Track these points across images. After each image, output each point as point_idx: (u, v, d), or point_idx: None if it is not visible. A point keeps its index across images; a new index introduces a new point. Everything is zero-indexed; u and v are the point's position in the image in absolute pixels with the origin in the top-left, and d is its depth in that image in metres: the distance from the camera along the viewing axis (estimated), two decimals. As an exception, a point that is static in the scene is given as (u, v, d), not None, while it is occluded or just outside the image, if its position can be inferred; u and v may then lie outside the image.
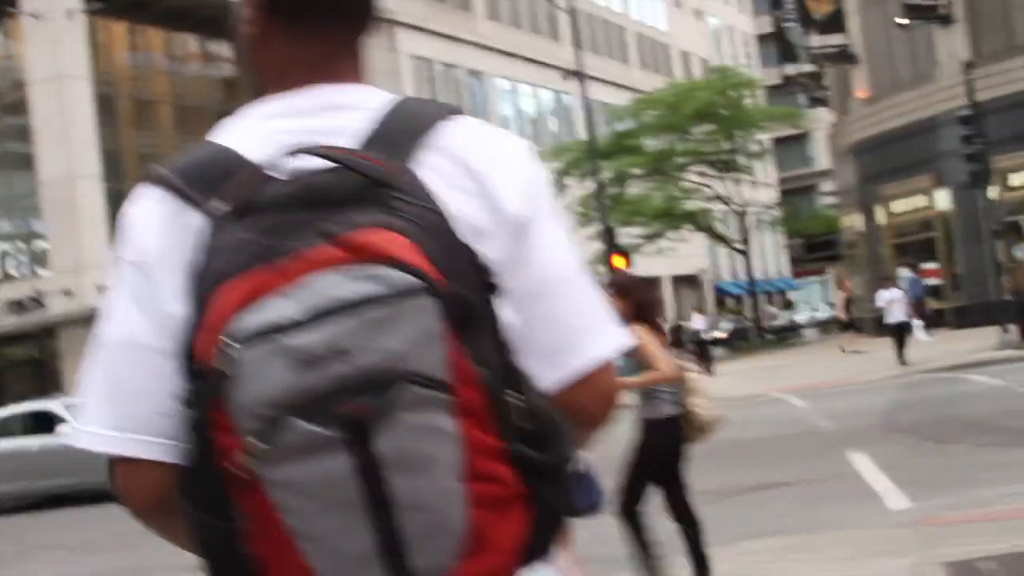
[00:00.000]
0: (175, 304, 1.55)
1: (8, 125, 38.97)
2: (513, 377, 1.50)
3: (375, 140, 1.61)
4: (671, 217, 46.98)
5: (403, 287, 1.39)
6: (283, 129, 1.63)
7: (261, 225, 1.46)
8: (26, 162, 37.72)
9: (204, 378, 1.41)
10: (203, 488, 1.46)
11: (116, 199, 33.84)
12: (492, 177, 1.64)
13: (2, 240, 38.92)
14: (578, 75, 35.34)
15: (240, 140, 1.63)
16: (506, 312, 1.54)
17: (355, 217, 1.44)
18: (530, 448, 1.47)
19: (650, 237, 46.35)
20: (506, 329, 1.53)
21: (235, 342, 1.37)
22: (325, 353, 1.36)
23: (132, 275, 1.61)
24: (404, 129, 1.63)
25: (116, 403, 1.59)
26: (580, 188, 41.21)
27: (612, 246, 32.53)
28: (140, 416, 1.57)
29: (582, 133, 42.76)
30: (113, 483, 1.63)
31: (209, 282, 1.46)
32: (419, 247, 1.43)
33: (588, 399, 1.65)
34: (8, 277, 38.10)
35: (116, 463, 1.60)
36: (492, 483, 1.44)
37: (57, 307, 35.85)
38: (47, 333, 36.11)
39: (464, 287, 1.46)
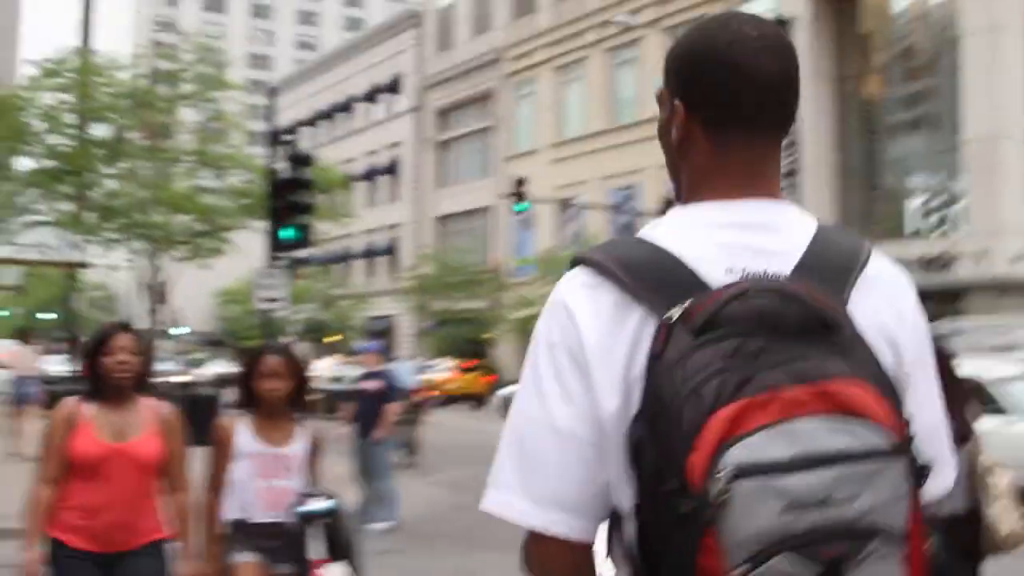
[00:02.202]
0: (609, 398, 1.66)
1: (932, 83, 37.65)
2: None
3: (808, 268, 1.71)
4: None
5: (880, 446, 1.52)
6: (723, 243, 1.72)
7: (724, 347, 1.55)
8: (945, 118, 36.20)
9: (691, 497, 1.49)
10: None
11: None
12: (904, 323, 1.79)
13: (920, 195, 37.86)
14: None
15: (682, 247, 1.71)
16: None
17: (826, 364, 1.55)
18: None
19: None
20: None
21: (726, 473, 1.47)
22: (813, 499, 1.48)
23: (566, 361, 1.69)
24: (834, 262, 1.74)
25: (534, 479, 1.69)
26: None
27: None
28: (559, 495, 1.68)
29: None
30: (530, 552, 1.75)
31: (687, 402, 1.53)
32: (885, 403, 1.56)
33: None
34: (920, 233, 36.94)
35: (532, 535, 1.73)
36: None
37: (966, 270, 34.02)
38: (953, 296, 34.57)
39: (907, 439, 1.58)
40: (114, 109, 28.89)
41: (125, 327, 5.52)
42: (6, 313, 62.29)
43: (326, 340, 57.59)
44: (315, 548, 5.65)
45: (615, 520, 1.76)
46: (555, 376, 1.71)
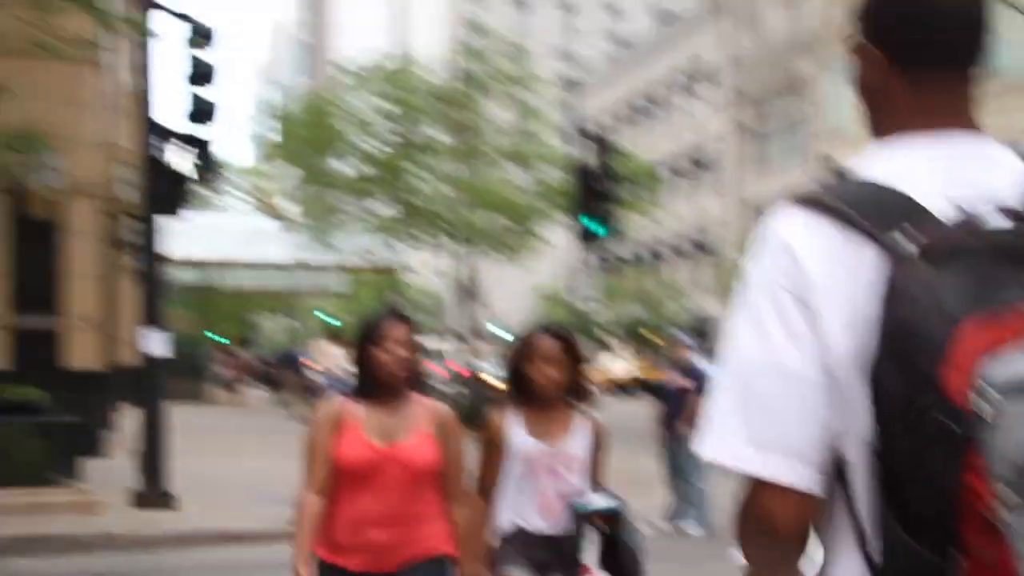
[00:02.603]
0: (841, 337, 1.62)
1: None
2: None
3: None
4: None
5: None
6: (941, 175, 1.70)
7: (969, 274, 1.54)
8: None
9: (951, 412, 1.47)
10: (927, 518, 1.51)
11: None
12: None
13: None
14: None
15: (900, 181, 1.69)
16: None
17: None
18: None
19: None
20: None
21: (991, 390, 1.44)
22: None
23: (790, 301, 1.66)
24: None
25: (759, 424, 1.65)
26: None
27: None
28: (786, 440, 1.64)
29: None
30: (749, 503, 1.69)
31: (935, 326, 1.52)
32: None
33: None
34: None
35: (755, 486, 1.67)
36: None
37: None
38: None
39: None
40: (425, 111, 29.26)
41: (399, 315, 4.90)
42: (334, 321, 64.70)
43: (644, 335, 57.21)
44: (588, 552, 5.00)
45: (837, 474, 1.69)
46: (778, 316, 1.67)
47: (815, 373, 1.64)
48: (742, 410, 1.67)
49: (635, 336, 58.49)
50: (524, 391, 5.06)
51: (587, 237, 20.62)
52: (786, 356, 1.65)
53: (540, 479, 4.99)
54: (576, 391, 5.10)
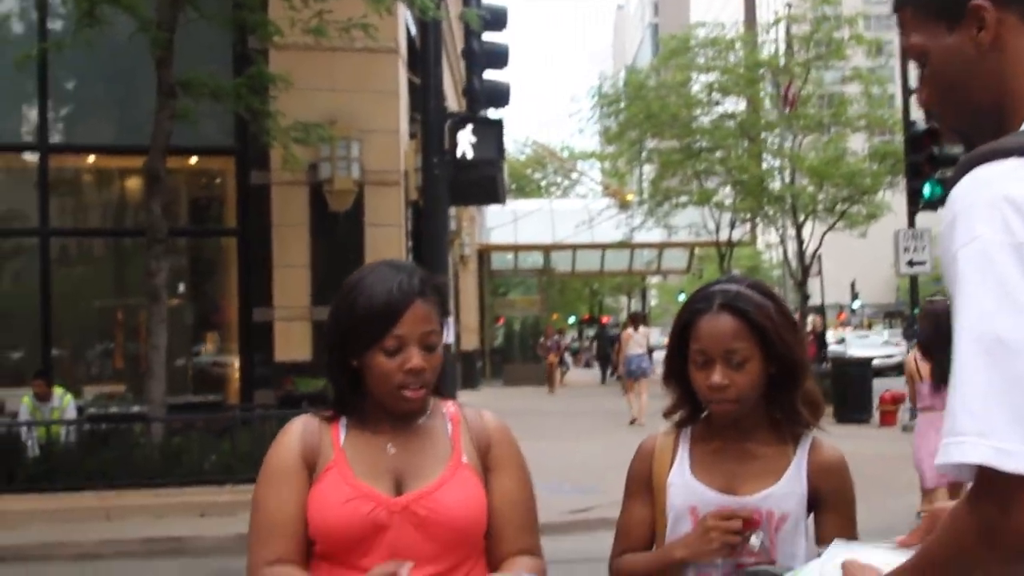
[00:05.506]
0: None
1: None
2: None
3: None
4: None
5: None
6: None
7: None
8: None
9: None
10: None
11: None
12: None
13: None
14: None
15: None
16: None
17: None
18: None
19: None
20: None
21: None
22: None
23: None
24: None
25: None
26: None
27: None
28: None
29: None
30: (1006, 516, 1.41)
31: None
32: None
33: None
34: None
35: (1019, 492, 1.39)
36: None
37: None
38: None
39: None
40: (750, 81, 28.41)
41: (422, 292, 2.59)
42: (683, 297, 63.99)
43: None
44: None
45: None
46: None
47: None
48: (1014, 401, 1.39)
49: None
50: (692, 408, 2.90)
51: (921, 202, 19.48)
52: None
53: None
54: (784, 403, 2.80)
